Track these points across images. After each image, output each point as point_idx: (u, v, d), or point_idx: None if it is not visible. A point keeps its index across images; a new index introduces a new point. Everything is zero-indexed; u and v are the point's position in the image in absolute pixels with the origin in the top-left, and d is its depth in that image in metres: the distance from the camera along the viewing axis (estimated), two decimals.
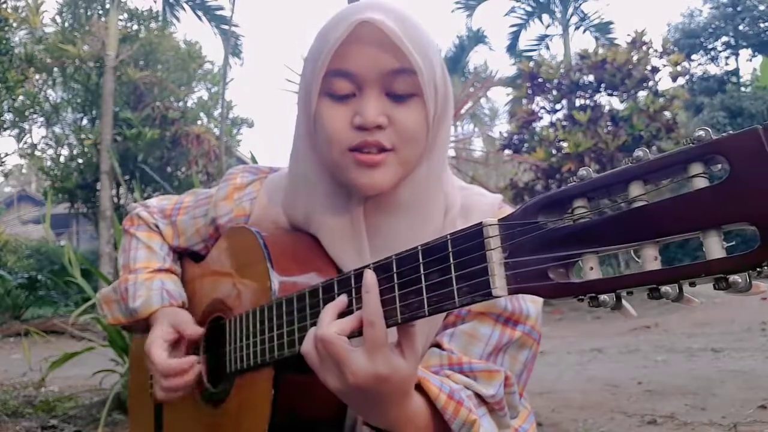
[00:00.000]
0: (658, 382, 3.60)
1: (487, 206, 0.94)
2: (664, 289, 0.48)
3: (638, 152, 0.50)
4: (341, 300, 0.72)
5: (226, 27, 12.42)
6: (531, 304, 0.88)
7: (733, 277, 0.44)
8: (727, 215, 0.44)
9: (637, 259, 0.50)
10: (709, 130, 0.46)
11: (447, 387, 0.77)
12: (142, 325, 1.08)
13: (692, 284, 0.48)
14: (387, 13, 0.81)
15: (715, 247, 0.45)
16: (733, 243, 0.46)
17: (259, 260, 0.88)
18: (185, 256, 1.15)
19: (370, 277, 0.68)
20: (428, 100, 0.84)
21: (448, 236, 0.63)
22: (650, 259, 0.49)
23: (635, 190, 0.50)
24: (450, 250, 0.62)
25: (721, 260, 0.45)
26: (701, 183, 0.46)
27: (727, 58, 23.29)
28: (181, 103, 12.15)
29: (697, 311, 7.59)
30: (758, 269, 0.44)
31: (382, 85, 0.82)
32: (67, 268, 3.16)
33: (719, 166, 0.46)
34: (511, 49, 18.68)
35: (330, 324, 0.70)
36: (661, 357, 4.63)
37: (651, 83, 10.32)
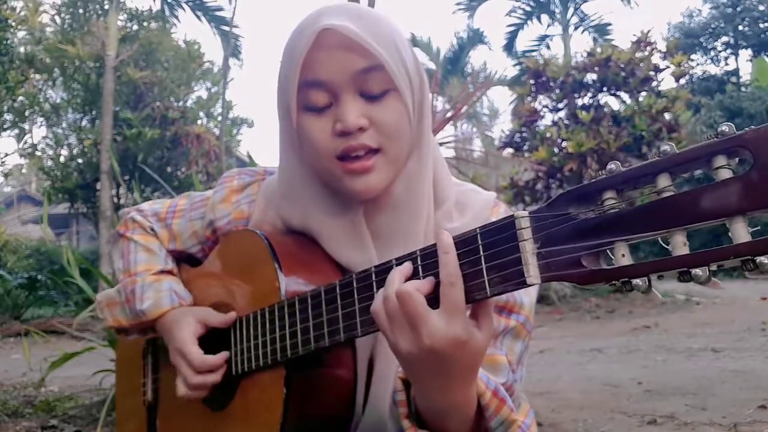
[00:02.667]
0: (658, 382, 3.60)
1: (482, 203, 0.94)
2: (695, 272, 0.51)
3: (665, 147, 0.53)
4: (407, 266, 0.70)
5: (226, 27, 12.42)
6: (524, 296, 0.88)
7: (759, 259, 0.48)
8: (752, 202, 0.48)
9: (666, 245, 0.53)
10: (732, 125, 0.50)
11: (492, 383, 0.76)
12: (142, 328, 1.08)
13: (720, 267, 0.51)
14: (347, 15, 0.82)
15: (741, 232, 0.49)
16: (757, 228, 0.50)
17: (265, 261, 0.88)
18: (181, 262, 1.14)
19: (446, 238, 0.66)
20: (404, 92, 0.84)
21: (477, 230, 0.65)
22: (680, 245, 0.52)
23: (663, 181, 0.53)
24: (480, 242, 0.65)
25: (748, 244, 0.49)
26: (726, 174, 0.50)
27: (726, 58, 23.29)
28: (181, 103, 12.14)
29: (697, 311, 7.58)
30: None
31: (356, 86, 0.83)
32: (66, 268, 3.16)
33: (737, 159, 0.50)
34: (509, 48, 18.70)
35: (405, 283, 0.67)
36: (661, 357, 4.62)
37: (654, 83, 10.32)
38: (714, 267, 0.51)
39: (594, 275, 0.56)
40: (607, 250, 0.56)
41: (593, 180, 0.57)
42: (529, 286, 0.61)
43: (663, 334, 5.95)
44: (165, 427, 1.09)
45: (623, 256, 0.55)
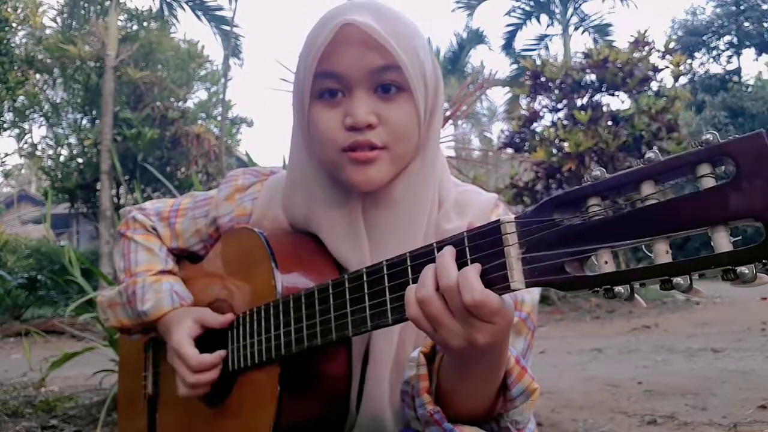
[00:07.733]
0: (658, 382, 3.60)
1: (482, 204, 0.94)
2: (676, 280, 0.51)
3: (650, 154, 0.53)
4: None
5: (226, 27, 12.42)
6: (526, 293, 0.89)
7: (740, 269, 0.48)
8: (734, 212, 0.48)
9: (649, 253, 0.53)
10: (716, 134, 0.50)
11: (515, 351, 0.76)
12: (144, 328, 1.08)
13: (701, 275, 0.51)
14: (370, 13, 0.83)
15: (723, 241, 0.49)
16: (739, 238, 0.49)
17: (263, 259, 0.89)
18: (182, 259, 1.15)
19: (447, 252, 0.65)
20: (417, 95, 0.85)
21: (464, 233, 0.65)
22: (662, 252, 0.52)
23: (647, 188, 0.53)
24: (466, 245, 0.64)
25: (730, 253, 0.48)
26: (709, 182, 0.50)
27: (729, 57, 23.27)
28: (181, 103, 12.14)
29: (697, 311, 7.59)
30: (764, 261, 0.47)
31: (370, 83, 0.83)
32: (68, 267, 3.16)
33: (723, 167, 0.50)
34: (507, 48, 18.69)
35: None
36: (661, 357, 4.62)
37: (653, 83, 10.30)
38: (695, 276, 0.51)
39: (577, 281, 0.57)
40: (591, 257, 0.56)
41: (578, 186, 0.57)
42: (514, 291, 0.61)
43: (663, 334, 5.95)
44: (164, 420, 1.10)
45: (606, 263, 0.55)
